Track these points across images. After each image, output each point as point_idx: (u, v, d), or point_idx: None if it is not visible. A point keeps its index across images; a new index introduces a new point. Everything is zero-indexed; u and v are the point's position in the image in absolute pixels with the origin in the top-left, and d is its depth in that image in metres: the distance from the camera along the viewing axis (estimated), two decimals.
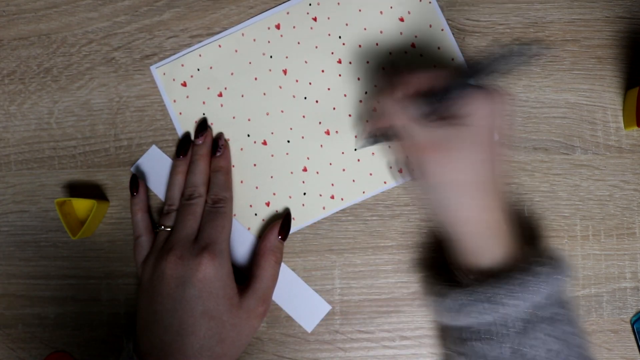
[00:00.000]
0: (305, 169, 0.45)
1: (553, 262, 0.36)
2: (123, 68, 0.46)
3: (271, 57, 0.46)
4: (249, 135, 0.45)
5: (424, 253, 0.45)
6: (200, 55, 0.46)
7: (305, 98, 0.45)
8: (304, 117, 0.45)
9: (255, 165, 0.45)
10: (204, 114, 0.46)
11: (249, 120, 0.45)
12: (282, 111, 0.45)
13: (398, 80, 0.38)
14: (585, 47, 0.45)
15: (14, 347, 0.45)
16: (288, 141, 0.45)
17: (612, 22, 0.45)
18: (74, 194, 0.46)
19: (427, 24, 0.45)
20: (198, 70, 0.46)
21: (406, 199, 0.45)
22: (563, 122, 0.45)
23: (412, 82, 0.38)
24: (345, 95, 0.45)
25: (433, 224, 0.45)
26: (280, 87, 0.45)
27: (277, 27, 0.46)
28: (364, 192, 0.45)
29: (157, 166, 0.45)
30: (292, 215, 0.45)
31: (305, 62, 0.45)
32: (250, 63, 0.46)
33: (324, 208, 0.45)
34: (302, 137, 0.45)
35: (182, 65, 0.46)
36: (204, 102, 0.46)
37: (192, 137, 0.45)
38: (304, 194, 0.45)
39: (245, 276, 0.43)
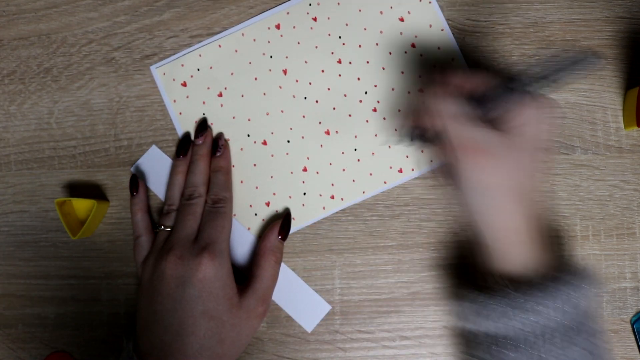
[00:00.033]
0: (305, 169, 0.45)
1: (583, 273, 0.36)
2: (123, 68, 0.46)
3: (271, 57, 0.46)
4: (249, 135, 0.45)
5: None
6: (200, 55, 0.46)
7: (305, 98, 0.45)
8: (304, 117, 0.45)
9: (255, 165, 0.45)
10: (204, 114, 0.46)
11: (249, 120, 0.45)
12: (282, 111, 0.45)
13: (445, 80, 0.37)
14: (585, 47, 0.45)
15: (14, 347, 0.45)
16: (288, 141, 0.45)
17: (612, 22, 0.45)
18: (74, 194, 0.46)
19: (427, 24, 0.45)
20: (198, 70, 0.46)
21: (406, 199, 0.45)
22: (563, 122, 0.45)
23: (460, 83, 0.38)
24: (345, 95, 0.45)
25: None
26: (280, 87, 0.45)
27: (277, 27, 0.46)
28: (364, 192, 0.45)
29: (157, 166, 0.45)
30: (292, 215, 0.45)
31: (305, 62, 0.45)
32: (250, 63, 0.46)
33: (324, 208, 0.45)
34: (302, 137, 0.45)
35: (182, 65, 0.46)
36: (204, 102, 0.46)
37: (192, 137, 0.45)
38: (304, 194, 0.45)
39: (245, 276, 0.43)
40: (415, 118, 0.40)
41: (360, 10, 0.45)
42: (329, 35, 0.45)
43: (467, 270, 0.44)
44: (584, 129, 0.45)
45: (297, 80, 0.45)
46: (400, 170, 0.45)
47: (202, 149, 0.44)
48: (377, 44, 0.45)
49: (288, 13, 0.46)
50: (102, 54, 0.46)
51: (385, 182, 0.45)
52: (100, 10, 0.46)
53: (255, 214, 0.45)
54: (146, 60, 0.46)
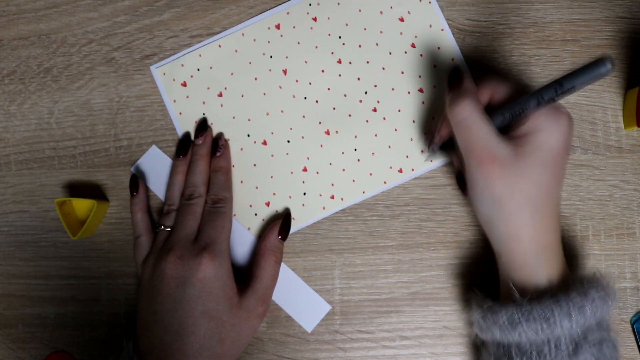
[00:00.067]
0: (305, 169, 0.45)
1: (606, 287, 0.36)
2: (123, 68, 0.46)
3: (271, 57, 0.46)
4: (249, 135, 0.45)
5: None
6: (200, 55, 0.46)
7: (305, 98, 0.45)
8: (304, 117, 0.45)
9: (255, 165, 0.45)
10: (204, 114, 0.46)
11: (249, 120, 0.45)
12: (282, 111, 0.45)
13: (465, 90, 0.37)
14: (585, 47, 0.45)
15: (14, 347, 0.45)
16: (288, 141, 0.45)
17: (612, 22, 0.45)
18: (74, 194, 0.46)
19: (427, 24, 0.45)
20: (198, 70, 0.46)
21: (406, 199, 0.45)
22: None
23: (480, 93, 0.38)
24: (345, 95, 0.45)
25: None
26: (280, 87, 0.45)
27: (277, 27, 0.46)
28: (364, 192, 0.45)
29: (157, 166, 0.45)
30: (292, 215, 0.45)
31: (305, 62, 0.45)
32: (250, 63, 0.46)
33: (324, 208, 0.45)
34: (302, 137, 0.45)
35: (182, 65, 0.46)
36: (204, 102, 0.46)
37: (192, 137, 0.45)
38: (304, 194, 0.45)
39: (245, 276, 0.43)
40: (440, 129, 0.41)
41: (360, 10, 0.45)
42: (329, 35, 0.45)
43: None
44: (584, 129, 0.45)
45: (297, 80, 0.45)
46: (400, 170, 0.45)
47: (202, 149, 0.44)
48: (377, 44, 0.45)
49: (288, 13, 0.46)
50: (102, 54, 0.46)
51: (385, 182, 0.45)
52: (100, 10, 0.46)
53: (255, 214, 0.45)
54: (146, 60, 0.46)
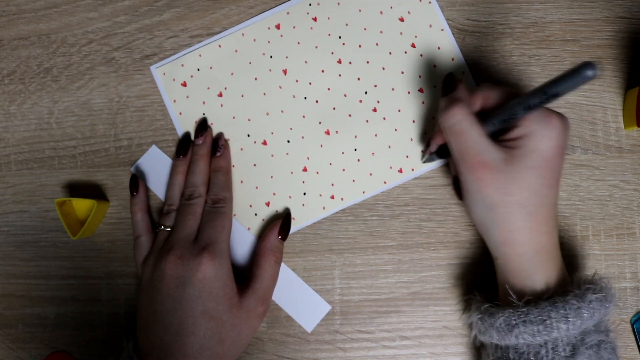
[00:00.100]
0: (305, 169, 0.45)
1: (604, 289, 0.36)
2: (123, 68, 0.46)
3: (271, 57, 0.46)
4: (249, 135, 0.45)
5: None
6: (200, 55, 0.46)
7: (305, 98, 0.45)
8: (304, 117, 0.45)
9: (255, 165, 0.45)
10: (204, 114, 0.46)
11: (249, 120, 0.45)
12: (282, 111, 0.45)
13: (457, 96, 0.38)
14: (585, 47, 0.45)
15: (14, 347, 0.45)
16: (288, 141, 0.45)
17: (612, 22, 0.45)
18: (74, 194, 0.46)
19: (427, 24, 0.45)
20: (198, 70, 0.46)
21: (406, 199, 0.45)
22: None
23: (472, 100, 0.38)
24: (345, 95, 0.45)
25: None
26: (280, 87, 0.45)
27: (277, 27, 0.46)
28: (364, 192, 0.45)
29: (157, 166, 0.45)
30: (292, 215, 0.45)
31: (305, 62, 0.45)
32: (250, 63, 0.46)
33: (324, 208, 0.45)
34: (302, 137, 0.45)
35: (182, 65, 0.46)
36: (204, 102, 0.46)
37: (192, 137, 0.45)
38: (304, 194, 0.45)
39: (245, 276, 0.43)
40: (434, 136, 0.41)
41: (360, 10, 0.45)
42: (329, 35, 0.45)
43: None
44: (584, 129, 0.45)
45: (297, 80, 0.45)
46: (400, 170, 0.45)
47: (202, 149, 0.44)
48: (377, 44, 0.45)
49: (288, 13, 0.46)
50: (102, 54, 0.46)
51: (385, 182, 0.45)
52: (100, 10, 0.46)
53: (255, 214, 0.45)
54: (146, 60, 0.46)
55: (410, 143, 0.45)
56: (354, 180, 0.45)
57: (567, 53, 0.45)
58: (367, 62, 0.45)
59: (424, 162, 0.45)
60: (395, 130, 0.45)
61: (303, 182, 0.45)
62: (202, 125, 0.45)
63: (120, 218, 0.45)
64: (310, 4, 0.45)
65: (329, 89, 0.45)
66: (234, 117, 0.45)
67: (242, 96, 0.45)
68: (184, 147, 0.44)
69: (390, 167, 0.45)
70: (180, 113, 0.46)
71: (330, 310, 0.44)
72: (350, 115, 0.45)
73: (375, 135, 0.45)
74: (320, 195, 0.45)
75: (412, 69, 0.45)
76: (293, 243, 0.45)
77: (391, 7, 0.45)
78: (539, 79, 0.45)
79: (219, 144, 0.44)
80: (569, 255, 0.44)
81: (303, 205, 0.45)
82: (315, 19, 0.46)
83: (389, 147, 0.45)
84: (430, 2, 0.45)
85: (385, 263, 0.45)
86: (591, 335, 0.35)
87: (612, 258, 0.44)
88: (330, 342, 0.44)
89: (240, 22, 0.46)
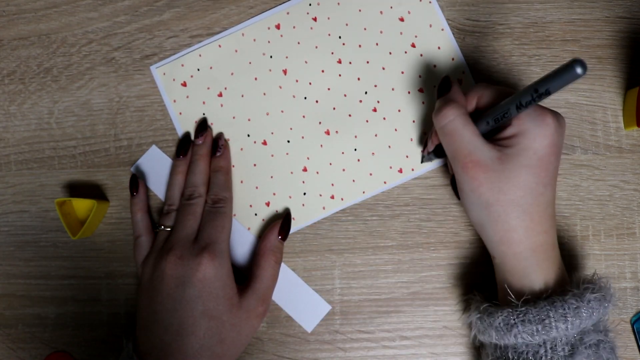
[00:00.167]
0: (305, 169, 0.45)
1: (603, 289, 0.36)
2: (123, 68, 0.46)
3: (271, 57, 0.46)
4: (249, 135, 0.45)
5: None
6: (200, 55, 0.46)
7: (305, 98, 0.45)
8: (304, 117, 0.45)
9: (255, 165, 0.45)
10: (204, 114, 0.46)
11: (249, 120, 0.45)
12: (282, 111, 0.45)
13: (450, 97, 0.38)
14: (585, 47, 0.45)
15: (14, 347, 0.45)
16: (288, 141, 0.45)
17: (612, 22, 0.45)
18: (74, 194, 0.46)
19: (427, 24, 0.45)
20: (198, 70, 0.46)
21: (406, 199, 0.45)
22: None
23: (467, 100, 0.38)
24: (345, 95, 0.45)
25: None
26: (280, 87, 0.45)
27: (277, 27, 0.46)
28: (364, 192, 0.45)
29: (157, 166, 0.45)
30: (292, 215, 0.45)
31: (305, 62, 0.45)
32: (250, 63, 0.46)
33: (324, 208, 0.45)
34: (302, 137, 0.45)
35: (182, 65, 0.46)
36: (204, 102, 0.46)
37: (192, 137, 0.45)
38: (304, 194, 0.45)
39: (245, 276, 0.43)
40: (431, 137, 0.41)
41: (360, 10, 0.45)
42: (329, 35, 0.45)
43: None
44: (584, 129, 0.45)
45: (297, 80, 0.45)
46: (400, 170, 0.45)
47: (202, 149, 0.44)
48: (377, 44, 0.45)
49: (288, 13, 0.46)
50: (102, 54, 0.46)
51: (385, 182, 0.45)
52: (100, 10, 0.46)
53: (255, 214, 0.45)
54: (146, 60, 0.46)
55: (410, 143, 0.45)
56: (354, 180, 0.45)
57: (567, 53, 0.45)
58: (367, 62, 0.45)
59: (423, 162, 0.45)
60: (395, 130, 0.45)
61: (303, 182, 0.45)
62: (202, 125, 0.45)
63: (120, 218, 0.45)
64: (310, 4, 0.45)
65: (329, 89, 0.45)
66: (234, 117, 0.45)
67: (242, 96, 0.45)
68: (184, 147, 0.44)
69: (390, 167, 0.45)
70: (180, 113, 0.46)
71: (330, 310, 0.44)
72: (350, 115, 0.45)
73: (375, 135, 0.45)
74: (320, 195, 0.45)
75: (412, 69, 0.45)
76: (293, 243, 0.45)
77: (391, 7, 0.45)
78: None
79: (219, 144, 0.44)
80: (569, 255, 0.44)
81: (303, 205, 0.45)
82: (315, 19, 0.46)
83: (389, 147, 0.45)
84: (430, 2, 0.45)
85: (385, 263, 0.45)
86: (590, 334, 0.35)
87: (612, 258, 0.44)
88: (330, 342, 0.44)
89: (240, 22, 0.46)
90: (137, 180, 0.44)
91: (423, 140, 0.45)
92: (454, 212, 0.45)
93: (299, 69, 0.45)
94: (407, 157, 0.45)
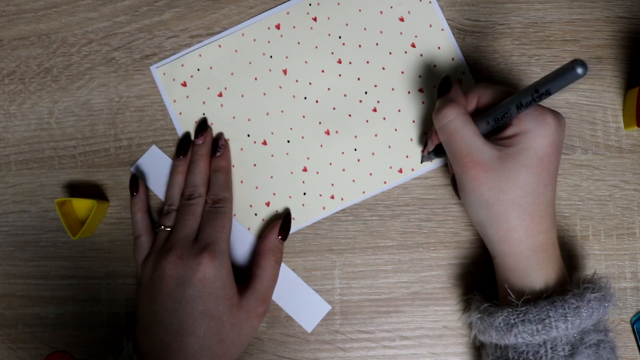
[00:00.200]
0: (305, 169, 0.45)
1: (603, 289, 0.36)
2: (123, 68, 0.46)
3: (271, 57, 0.46)
4: (249, 135, 0.45)
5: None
6: (200, 55, 0.46)
7: (305, 98, 0.45)
8: (304, 117, 0.45)
9: (255, 165, 0.45)
10: (204, 114, 0.46)
11: (249, 120, 0.45)
12: (282, 111, 0.45)
13: (450, 97, 0.38)
14: (585, 47, 0.45)
15: (14, 347, 0.45)
16: (288, 141, 0.45)
17: (612, 22, 0.45)
18: (74, 194, 0.46)
19: (427, 24, 0.45)
20: (198, 70, 0.46)
21: (406, 199, 0.45)
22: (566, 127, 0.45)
23: (467, 100, 0.38)
24: (345, 95, 0.45)
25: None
26: (280, 87, 0.45)
27: (277, 27, 0.46)
28: (364, 192, 0.45)
29: (157, 166, 0.45)
30: (292, 215, 0.45)
31: (305, 62, 0.45)
32: (250, 63, 0.46)
33: (324, 208, 0.45)
34: (302, 137, 0.45)
35: (182, 65, 0.46)
36: (204, 102, 0.46)
37: (192, 137, 0.45)
38: (304, 194, 0.45)
39: (245, 276, 0.43)
40: (431, 136, 0.41)
41: (360, 10, 0.45)
42: (329, 35, 0.45)
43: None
44: (584, 129, 0.45)
45: (297, 80, 0.45)
46: (400, 170, 0.45)
47: (202, 149, 0.44)
48: (377, 44, 0.45)
49: (288, 13, 0.46)
50: (102, 54, 0.46)
51: (385, 182, 0.45)
52: (100, 10, 0.46)
53: (255, 214, 0.45)
54: (146, 60, 0.46)
55: (410, 143, 0.45)
56: (354, 180, 0.45)
57: (567, 53, 0.45)
58: (367, 62, 0.45)
59: (422, 162, 0.45)
60: (395, 130, 0.45)
61: (303, 182, 0.45)
62: (202, 125, 0.45)
63: (120, 218, 0.45)
64: (310, 4, 0.45)
65: (329, 89, 0.45)
66: (234, 117, 0.45)
67: (242, 96, 0.45)
68: (184, 147, 0.44)
69: (390, 167, 0.45)
70: (180, 113, 0.46)
71: (330, 310, 0.44)
72: (350, 115, 0.45)
73: (375, 135, 0.45)
74: (320, 195, 0.45)
75: (412, 69, 0.45)
76: (293, 243, 0.45)
77: (391, 7, 0.45)
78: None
79: (219, 144, 0.44)
80: (569, 255, 0.44)
81: (303, 205, 0.45)
82: (315, 19, 0.46)
83: (389, 147, 0.45)
84: (430, 2, 0.45)
85: (385, 263, 0.45)
86: (590, 334, 0.35)
87: (612, 258, 0.44)
88: (330, 342, 0.44)
89: (240, 22, 0.46)
90: (137, 180, 0.44)
91: (423, 140, 0.45)
92: (454, 212, 0.45)
93: (299, 69, 0.45)
94: (407, 157, 0.45)
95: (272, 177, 0.45)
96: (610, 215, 0.44)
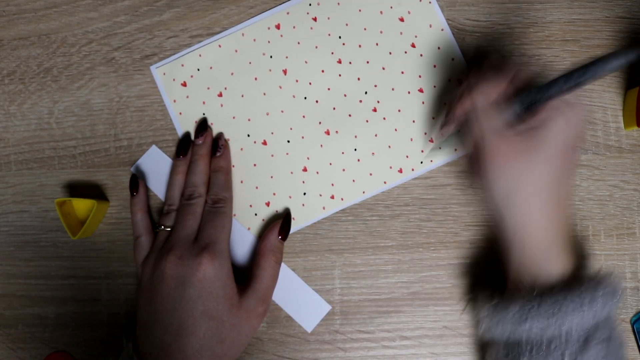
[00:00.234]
0: (305, 169, 0.45)
1: (614, 283, 0.36)
2: (123, 68, 0.46)
3: (271, 57, 0.46)
4: (249, 135, 0.45)
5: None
6: (200, 55, 0.46)
7: (305, 98, 0.45)
8: (304, 117, 0.45)
9: (255, 165, 0.45)
10: (204, 114, 0.46)
11: (249, 120, 0.45)
12: (282, 111, 0.45)
13: (483, 77, 0.37)
14: (585, 47, 0.45)
15: (14, 347, 0.45)
16: (288, 141, 0.45)
17: (612, 22, 0.45)
18: (74, 194, 0.46)
19: (427, 24, 0.45)
20: (198, 70, 0.46)
21: (406, 199, 0.45)
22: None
23: (498, 82, 0.37)
24: (345, 95, 0.45)
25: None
26: (280, 87, 0.45)
27: (277, 27, 0.46)
28: (364, 192, 0.45)
29: (157, 166, 0.45)
30: (292, 215, 0.45)
31: (305, 62, 0.45)
32: (250, 63, 0.46)
33: (324, 208, 0.45)
34: (302, 137, 0.45)
35: (182, 65, 0.46)
36: (204, 102, 0.46)
37: (192, 137, 0.45)
38: (304, 194, 0.45)
39: (245, 276, 0.43)
40: (452, 110, 0.40)
41: (360, 10, 0.45)
42: (329, 35, 0.45)
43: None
44: (584, 129, 0.45)
45: (297, 80, 0.45)
46: (400, 170, 0.45)
47: (202, 149, 0.44)
48: (377, 44, 0.45)
49: (288, 13, 0.46)
50: (102, 54, 0.46)
51: (385, 182, 0.45)
52: (100, 10, 0.46)
53: (255, 214, 0.45)
54: (146, 60, 0.46)
55: (410, 143, 0.45)
56: (354, 180, 0.45)
57: (567, 53, 0.45)
58: (367, 62, 0.45)
59: (422, 162, 0.44)
60: (395, 130, 0.45)
61: (303, 182, 0.45)
62: (202, 125, 0.45)
63: (120, 218, 0.45)
64: (310, 4, 0.45)
65: (329, 89, 0.45)
66: (234, 117, 0.45)
67: (242, 96, 0.46)
68: (184, 147, 0.44)
69: (390, 167, 0.45)
70: (180, 113, 0.46)
71: (330, 310, 0.45)
72: (350, 115, 0.45)
73: (375, 135, 0.45)
74: (320, 195, 0.45)
75: (412, 69, 0.45)
76: (293, 243, 0.45)
77: (391, 7, 0.45)
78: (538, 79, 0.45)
79: (219, 144, 0.44)
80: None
81: (303, 205, 0.45)
82: (315, 19, 0.46)
83: (389, 147, 0.45)
84: (430, 2, 0.45)
85: (385, 263, 0.45)
86: (601, 328, 0.35)
87: (612, 258, 0.44)
88: (330, 342, 0.44)
89: (240, 22, 0.46)
90: (137, 180, 0.44)
91: (428, 134, 0.44)
92: (454, 212, 0.45)
93: (299, 69, 0.45)
94: (407, 157, 0.45)
95: (272, 177, 0.45)
96: (610, 215, 0.44)
